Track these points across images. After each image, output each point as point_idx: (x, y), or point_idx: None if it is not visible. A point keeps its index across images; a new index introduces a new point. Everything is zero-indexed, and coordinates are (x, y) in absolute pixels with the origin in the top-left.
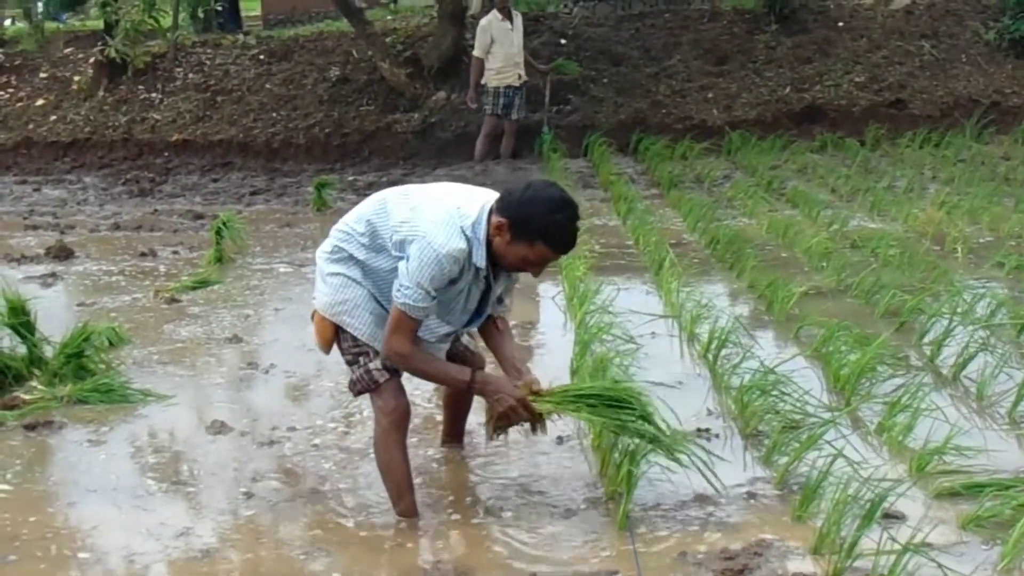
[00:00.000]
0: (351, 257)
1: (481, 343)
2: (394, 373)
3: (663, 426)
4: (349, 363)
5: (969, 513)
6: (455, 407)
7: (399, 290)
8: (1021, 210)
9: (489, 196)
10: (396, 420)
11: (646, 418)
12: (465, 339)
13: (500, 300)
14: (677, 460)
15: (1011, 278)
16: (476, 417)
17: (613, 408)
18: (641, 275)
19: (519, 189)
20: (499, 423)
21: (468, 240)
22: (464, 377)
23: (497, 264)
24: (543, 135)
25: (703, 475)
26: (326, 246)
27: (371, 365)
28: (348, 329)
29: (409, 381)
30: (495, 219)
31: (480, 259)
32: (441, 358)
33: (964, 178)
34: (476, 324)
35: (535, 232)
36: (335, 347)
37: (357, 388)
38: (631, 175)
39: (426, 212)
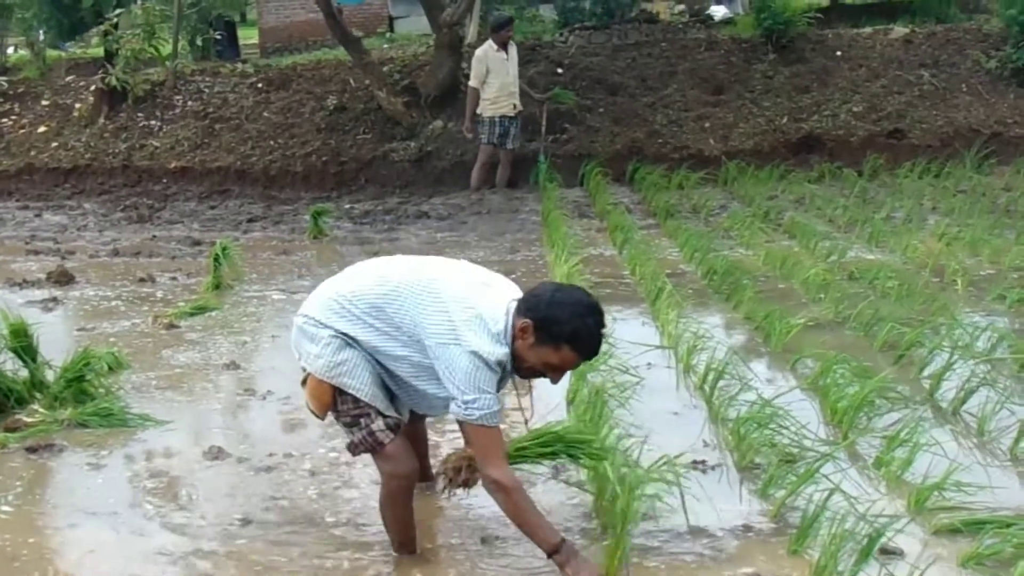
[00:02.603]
0: (346, 334)
1: None
2: (397, 430)
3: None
4: (347, 425)
5: (969, 550)
6: (413, 445)
7: (466, 407)
8: (1022, 242)
9: (506, 293)
10: (407, 484)
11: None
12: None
13: None
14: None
15: (1012, 311)
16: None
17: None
18: (637, 305)
19: (547, 291)
20: None
21: (504, 346)
22: (552, 540)
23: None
24: (539, 164)
25: (684, 509)
26: (316, 313)
27: (374, 426)
28: (349, 391)
29: None
30: (519, 321)
31: (509, 364)
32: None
33: (964, 209)
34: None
35: (562, 335)
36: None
37: (359, 450)
38: (627, 205)
39: (461, 317)
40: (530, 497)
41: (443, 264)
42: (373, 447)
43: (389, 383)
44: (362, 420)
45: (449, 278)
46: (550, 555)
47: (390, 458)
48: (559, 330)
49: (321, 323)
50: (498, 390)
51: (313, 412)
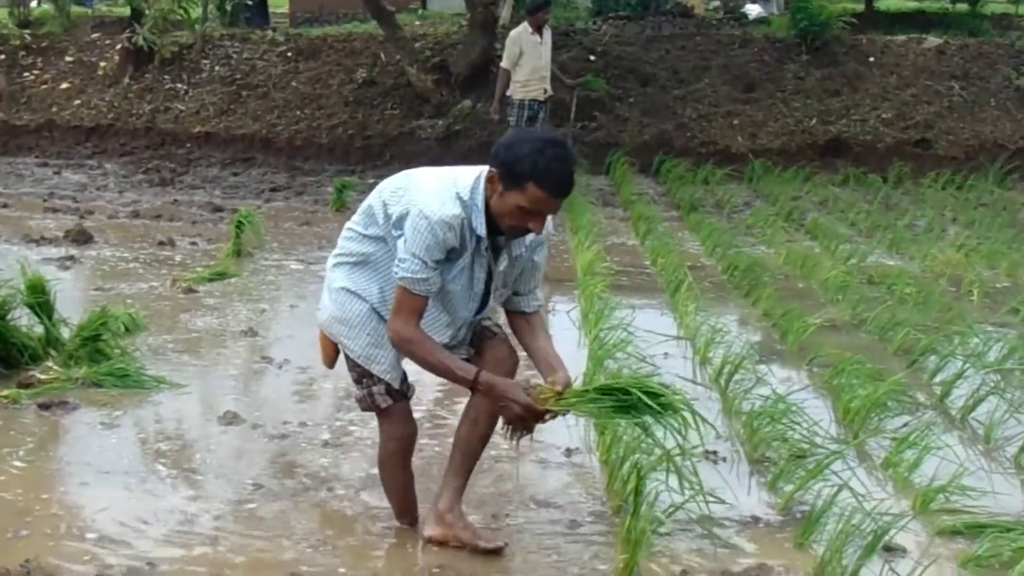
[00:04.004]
0: (356, 256)
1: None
2: (399, 397)
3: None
4: (355, 380)
5: (969, 552)
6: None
7: (397, 265)
8: None
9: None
10: (401, 447)
11: (663, 407)
12: (489, 322)
13: (531, 292)
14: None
15: None
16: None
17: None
18: (657, 296)
19: (508, 137)
20: (512, 427)
21: (465, 206)
22: (468, 376)
23: (498, 239)
24: None
25: (706, 497)
26: (337, 247)
27: (374, 389)
28: (344, 350)
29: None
30: (488, 174)
31: (480, 226)
32: (448, 353)
33: (984, 222)
34: (484, 311)
35: (524, 173)
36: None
37: (362, 406)
38: (652, 196)
39: (420, 186)
40: (436, 343)
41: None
42: (372, 407)
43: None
44: (364, 380)
45: (432, 167)
46: (473, 387)
47: (389, 418)
48: (521, 168)
49: (339, 256)
50: (476, 265)
51: (322, 361)
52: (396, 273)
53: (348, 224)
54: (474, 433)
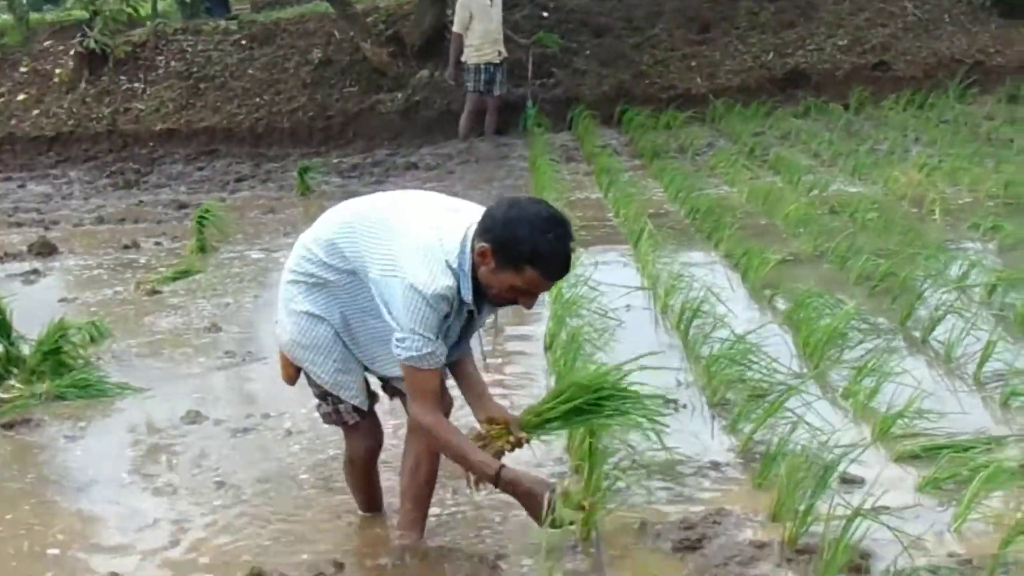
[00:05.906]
0: (315, 279)
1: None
2: (364, 414)
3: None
4: (317, 396)
5: (927, 475)
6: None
7: (397, 346)
8: (1001, 170)
9: (472, 217)
10: (368, 456)
11: (623, 400)
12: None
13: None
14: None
15: (986, 239)
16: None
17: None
18: (619, 247)
19: (502, 209)
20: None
21: (455, 275)
22: (488, 471)
23: (483, 295)
24: (527, 110)
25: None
26: (291, 263)
27: (340, 407)
28: (311, 375)
29: None
30: (478, 245)
31: (467, 293)
32: (471, 443)
33: (946, 139)
34: (455, 356)
35: (522, 256)
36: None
37: (326, 420)
38: (615, 147)
39: (405, 246)
40: (458, 431)
41: (408, 196)
42: (338, 423)
43: (358, 353)
44: (328, 397)
45: (408, 208)
46: (495, 482)
47: (353, 433)
48: (518, 251)
49: (296, 273)
50: (472, 319)
51: (283, 379)
52: (399, 356)
53: (306, 242)
54: (417, 479)
